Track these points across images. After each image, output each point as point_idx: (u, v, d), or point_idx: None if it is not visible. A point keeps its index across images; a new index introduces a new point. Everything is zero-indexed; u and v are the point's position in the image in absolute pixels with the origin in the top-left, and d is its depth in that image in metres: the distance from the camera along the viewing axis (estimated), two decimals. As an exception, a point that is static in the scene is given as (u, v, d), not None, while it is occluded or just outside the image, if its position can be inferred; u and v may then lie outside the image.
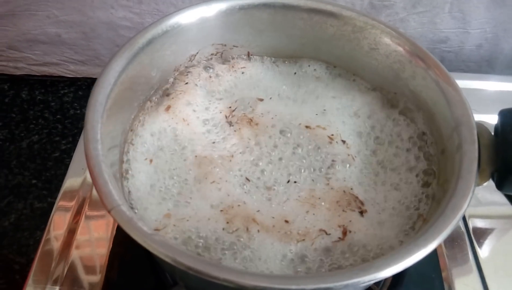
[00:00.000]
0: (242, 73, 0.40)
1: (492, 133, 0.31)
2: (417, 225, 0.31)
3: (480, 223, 0.48)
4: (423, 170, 0.34)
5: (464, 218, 0.48)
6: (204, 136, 0.36)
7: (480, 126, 0.32)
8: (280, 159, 0.34)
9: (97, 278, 0.42)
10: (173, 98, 0.38)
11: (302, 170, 0.34)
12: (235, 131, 0.36)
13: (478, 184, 0.30)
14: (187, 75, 0.39)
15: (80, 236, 0.46)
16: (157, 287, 0.41)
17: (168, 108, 0.37)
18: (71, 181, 0.50)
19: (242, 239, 0.29)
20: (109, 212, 0.26)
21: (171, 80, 0.40)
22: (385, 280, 0.42)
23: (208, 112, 0.39)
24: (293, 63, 0.43)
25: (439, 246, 0.46)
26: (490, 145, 0.31)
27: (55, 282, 0.42)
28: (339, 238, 0.30)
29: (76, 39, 0.85)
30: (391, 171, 0.35)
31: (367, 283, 0.25)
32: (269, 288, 0.23)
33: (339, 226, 0.31)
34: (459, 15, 0.73)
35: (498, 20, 0.74)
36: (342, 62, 0.42)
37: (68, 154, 0.83)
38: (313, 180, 0.34)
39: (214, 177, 0.32)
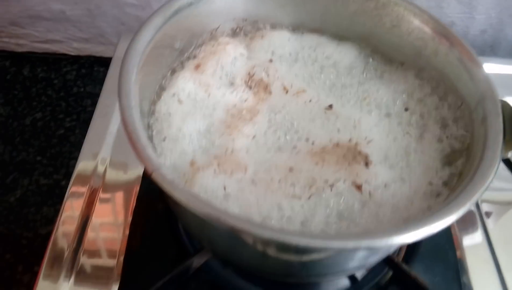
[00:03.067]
0: (262, 38, 0.41)
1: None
2: (443, 193, 0.32)
3: (489, 204, 0.49)
4: (447, 142, 0.35)
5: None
6: (226, 96, 0.37)
7: (503, 101, 0.33)
8: (298, 119, 0.35)
9: (117, 246, 0.42)
10: (197, 63, 0.38)
11: (321, 131, 0.35)
12: (254, 93, 0.37)
13: (503, 154, 0.31)
14: (211, 44, 0.40)
15: (95, 219, 0.45)
16: (178, 255, 0.42)
17: (197, 67, 0.37)
18: (83, 165, 0.49)
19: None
20: (150, 175, 0.26)
21: (194, 50, 0.40)
22: (401, 249, 0.44)
23: (230, 76, 0.39)
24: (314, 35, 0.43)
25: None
26: (514, 117, 0.32)
27: (70, 269, 0.42)
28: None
29: (80, 16, 0.84)
30: (416, 141, 0.36)
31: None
32: (313, 247, 0.24)
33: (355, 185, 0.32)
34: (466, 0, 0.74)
35: (504, 5, 0.75)
36: (363, 39, 0.42)
37: (72, 132, 0.83)
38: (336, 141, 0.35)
39: (233, 131, 0.33)
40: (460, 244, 0.45)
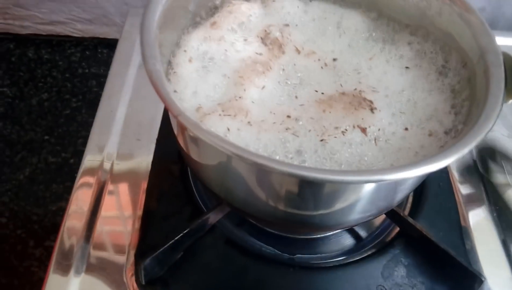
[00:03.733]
0: (273, 2, 0.42)
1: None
2: (448, 140, 0.34)
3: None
4: (451, 92, 0.37)
5: (474, 161, 0.52)
6: (241, 49, 0.38)
7: (504, 53, 0.35)
8: (308, 74, 0.37)
9: (127, 240, 0.43)
10: (213, 21, 0.39)
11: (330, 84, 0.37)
12: (269, 49, 0.38)
13: (505, 100, 0.33)
14: (226, 5, 0.41)
15: (104, 211, 0.45)
16: (194, 215, 0.43)
17: (213, 24, 0.39)
18: (90, 157, 0.49)
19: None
20: (176, 117, 0.28)
21: (207, 12, 0.41)
22: (406, 204, 0.46)
23: (245, 32, 0.41)
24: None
25: (454, 180, 0.50)
26: (514, 68, 0.34)
27: (80, 262, 0.42)
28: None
29: (84, -3, 0.85)
30: (421, 92, 0.37)
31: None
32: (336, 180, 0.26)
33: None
34: (465, -24, 0.75)
35: (501, -18, 0.76)
36: (369, 3, 0.44)
37: (79, 112, 0.84)
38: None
39: (245, 81, 0.35)
40: (465, 213, 0.47)
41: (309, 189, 0.31)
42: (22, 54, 0.90)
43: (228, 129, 0.32)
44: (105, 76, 0.90)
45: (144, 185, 0.47)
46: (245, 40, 0.39)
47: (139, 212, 0.45)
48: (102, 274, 0.41)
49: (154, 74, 0.30)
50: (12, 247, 0.70)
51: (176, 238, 0.39)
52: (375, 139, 0.33)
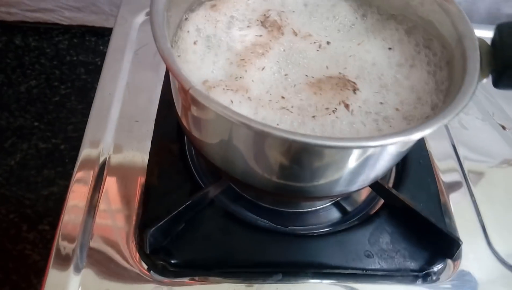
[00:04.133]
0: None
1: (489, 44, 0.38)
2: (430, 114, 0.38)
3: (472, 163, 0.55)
4: (433, 73, 0.41)
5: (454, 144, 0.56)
6: (241, 32, 0.41)
7: (479, 39, 0.39)
8: (303, 57, 0.40)
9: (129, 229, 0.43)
10: (212, 4, 0.42)
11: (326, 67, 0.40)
12: (268, 32, 0.41)
13: (480, 79, 0.36)
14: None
15: (102, 205, 0.45)
16: (193, 189, 0.46)
17: (212, 6, 0.41)
18: (88, 145, 0.49)
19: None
20: (187, 90, 0.30)
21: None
22: (389, 179, 0.50)
23: (245, 15, 0.43)
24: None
25: (433, 159, 0.54)
26: (488, 52, 0.38)
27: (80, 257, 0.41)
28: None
29: (73, -16, 0.86)
30: (403, 75, 0.41)
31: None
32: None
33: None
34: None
35: (475, -24, 0.81)
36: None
37: (68, 99, 0.85)
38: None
39: (246, 63, 0.38)
40: (444, 190, 0.51)
41: (305, 155, 0.34)
42: (9, 41, 0.90)
43: (232, 102, 0.35)
44: (93, 63, 0.91)
45: (144, 163, 0.48)
46: (245, 22, 0.41)
47: (143, 179, 0.45)
48: (101, 269, 0.41)
49: (166, 52, 0.32)
50: (6, 232, 0.71)
51: (178, 209, 0.42)
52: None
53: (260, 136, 0.32)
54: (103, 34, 0.92)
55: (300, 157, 0.34)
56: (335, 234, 0.44)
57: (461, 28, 0.40)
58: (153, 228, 0.40)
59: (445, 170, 0.54)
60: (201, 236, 0.43)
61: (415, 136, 0.31)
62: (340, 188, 0.39)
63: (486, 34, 0.40)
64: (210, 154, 0.39)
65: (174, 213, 0.41)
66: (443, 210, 0.49)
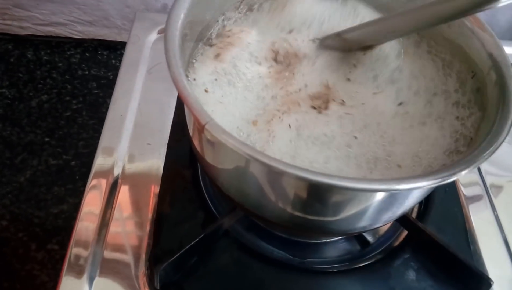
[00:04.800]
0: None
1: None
2: (459, 148, 0.35)
3: (493, 175, 0.53)
4: (458, 104, 0.38)
5: (478, 167, 0.53)
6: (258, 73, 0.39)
7: (514, 65, 0.37)
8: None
9: (142, 241, 0.43)
10: (216, 53, 0.40)
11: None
12: (287, 65, 0.39)
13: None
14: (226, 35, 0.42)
15: (117, 213, 0.45)
16: (206, 221, 0.44)
17: (217, 56, 0.39)
18: (101, 161, 0.49)
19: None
20: (204, 126, 0.28)
21: (222, 21, 0.42)
22: (413, 208, 0.47)
23: (255, 58, 0.41)
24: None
25: (459, 187, 0.51)
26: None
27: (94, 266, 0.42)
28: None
29: (86, -1, 0.85)
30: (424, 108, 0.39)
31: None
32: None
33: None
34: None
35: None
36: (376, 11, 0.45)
37: (80, 114, 0.83)
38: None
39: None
40: (469, 216, 0.48)
41: (328, 193, 0.32)
42: (21, 55, 0.90)
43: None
44: (105, 78, 0.90)
45: (155, 189, 0.47)
46: (256, 63, 0.40)
47: (150, 215, 0.45)
48: (115, 277, 0.41)
49: (181, 83, 0.30)
50: (14, 251, 0.69)
51: (191, 244, 0.40)
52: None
53: (280, 176, 0.30)
54: (115, 48, 0.91)
55: (324, 196, 0.31)
56: (357, 270, 0.42)
57: (494, 52, 0.38)
58: (165, 264, 0.38)
59: (470, 196, 0.51)
60: (214, 270, 0.41)
61: (446, 179, 0.28)
62: (364, 224, 0.37)
63: (508, 50, 0.38)
64: (224, 185, 0.37)
65: (187, 247, 0.39)
66: (470, 241, 0.46)
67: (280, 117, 0.37)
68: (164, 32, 0.33)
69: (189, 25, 0.36)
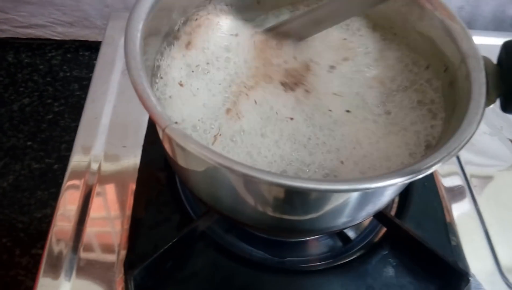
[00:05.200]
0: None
1: (495, 63, 0.35)
2: (429, 141, 0.35)
3: (474, 167, 0.52)
4: (431, 100, 0.38)
5: (458, 158, 0.53)
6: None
7: (485, 58, 0.36)
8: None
9: (117, 240, 0.43)
10: (191, 33, 0.39)
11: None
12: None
13: (487, 105, 0.33)
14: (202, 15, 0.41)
15: (93, 213, 0.45)
16: (182, 222, 0.43)
17: (188, 44, 0.39)
18: (77, 158, 0.49)
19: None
20: (163, 130, 0.28)
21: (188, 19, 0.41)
22: (392, 204, 0.46)
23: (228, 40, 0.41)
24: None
25: (438, 180, 0.51)
26: (495, 73, 0.35)
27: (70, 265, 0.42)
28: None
29: (64, -1, 0.83)
30: (401, 98, 0.38)
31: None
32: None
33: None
34: (444, -25, 0.77)
35: (479, -19, 0.78)
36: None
37: (62, 116, 0.82)
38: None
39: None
40: (449, 208, 0.48)
41: (298, 197, 0.31)
42: (1, 58, 0.88)
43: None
44: (87, 79, 0.89)
45: (132, 186, 0.47)
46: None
47: (128, 212, 0.44)
48: (92, 277, 0.41)
49: (140, 86, 0.29)
50: (-2, 257, 0.69)
51: (165, 247, 0.39)
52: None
53: (245, 179, 0.29)
54: (97, 49, 0.89)
55: (291, 197, 0.31)
56: (335, 268, 0.42)
57: (464, 45, 0.37)
58: (138, 269, 0.38)
59: (450, 187, 0.50)
60: (191, 274, 0.41)
61: (418, 175, 0.28)
62: (337, 222, 0.36)
63: (492, 41, 0.37)
64: (195, 189, 0.37)
65: (160, 251, 0.39)
66: (450, 235, 0.46)
67: (246, 94, 0.36)
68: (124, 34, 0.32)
69: (154, 23, 0.35)
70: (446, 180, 0.51)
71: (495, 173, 0.53)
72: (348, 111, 0.38)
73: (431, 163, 0.28)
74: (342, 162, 0.34)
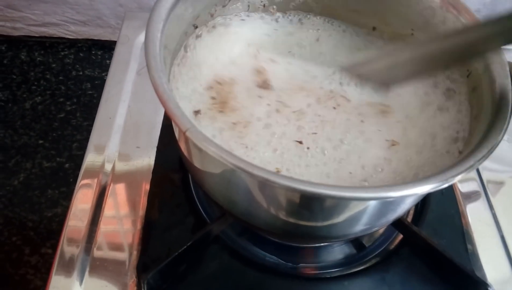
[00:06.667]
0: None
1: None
2: (458, 147, 0.34)
3: (491, 173, 0.51)
4: (455, 107, 0.37)
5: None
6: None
7: (510, 63, 0.35)
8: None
9: (130, 239, 0.43)
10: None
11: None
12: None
13: (512, 114, 0.33)
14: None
15: (107, 211, 0.45)
16: (196, 226, 0.43)
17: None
18: (91, 158, 0.49)
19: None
20: (184, 133, 0.27)
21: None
22: (409, 211, 0.46)
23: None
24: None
25: (456, 186, 0.50)
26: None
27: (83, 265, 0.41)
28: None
29: (78, -2, 0.83)
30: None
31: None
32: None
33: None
34: (461, -22, 0.76)
35: (496, -17, 0.77)
36: (368, 8, 0.43)
37: (73, 115, 0.82)
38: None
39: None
40: (465, 214, 0.47)
41: (318, 203, 0.30)
42: (15, 57, 0.89)
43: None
44: (99, 78, 0.89)
45: (145, 187, 0.46)
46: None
47: (141, 213, 0.44)
48: (105, 278, 0.41)
49: (160, 87, 0.29)
50: (7, 255, 0.68)
51: (179, 251, 0.39)
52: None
53: (265, 184, 0.29)
54: (110, 48, 0.90)
55: (309, 203, 0.30)
56: (350, 276, 0.41)
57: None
58: (152, 273, 0.37)
59: (467, 193, 0.49)
60: (204, 278, 0.40)
61: (442, 185, 0.27)
62: (355, 230, 0.36)
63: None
64: (210, 192, 0.36)
65: (174, 254, 0.38)
66: (467, 243, 0.45)
67: None
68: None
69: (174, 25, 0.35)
70: (462, 185, 0.50)
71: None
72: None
73: (458, 172, 0.27)
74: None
